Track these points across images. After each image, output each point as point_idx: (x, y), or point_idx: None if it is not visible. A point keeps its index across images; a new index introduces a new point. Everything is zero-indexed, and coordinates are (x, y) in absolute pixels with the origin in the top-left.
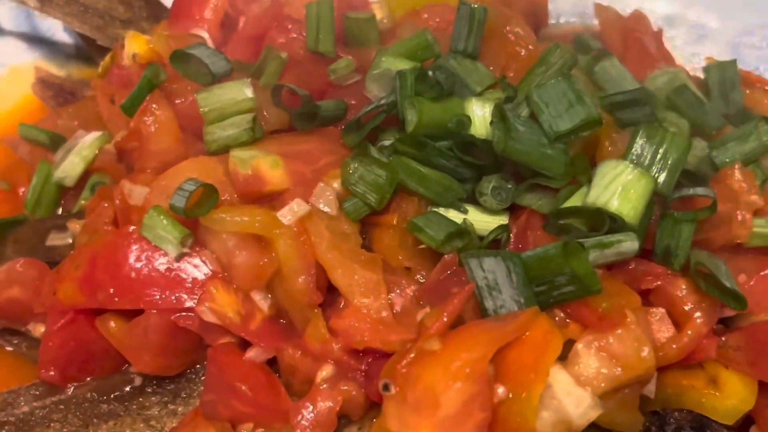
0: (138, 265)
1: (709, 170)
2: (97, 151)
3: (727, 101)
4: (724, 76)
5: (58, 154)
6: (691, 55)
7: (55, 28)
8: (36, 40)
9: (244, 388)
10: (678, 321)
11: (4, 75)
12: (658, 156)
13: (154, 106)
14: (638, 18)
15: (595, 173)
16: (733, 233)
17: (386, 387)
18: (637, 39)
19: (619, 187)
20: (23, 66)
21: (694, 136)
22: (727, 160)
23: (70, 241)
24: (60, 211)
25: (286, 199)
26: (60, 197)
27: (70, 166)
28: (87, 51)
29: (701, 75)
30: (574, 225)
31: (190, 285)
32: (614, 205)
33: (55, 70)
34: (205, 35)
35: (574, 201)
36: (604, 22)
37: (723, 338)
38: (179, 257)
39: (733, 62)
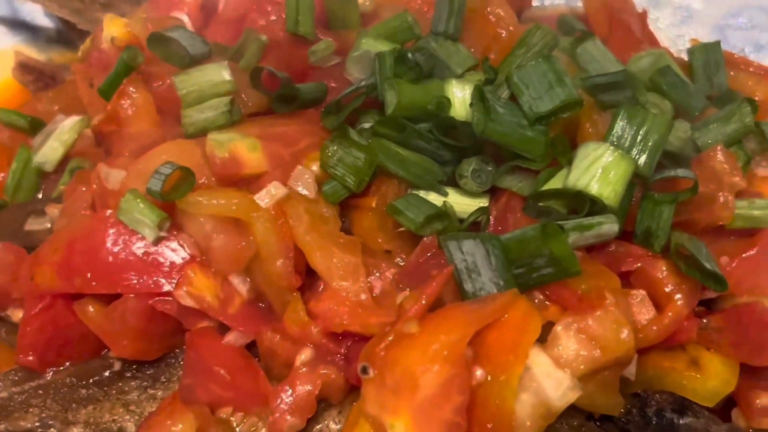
0: (115, 249)
1: (691, 152)
2: (76, 136)
3: (712, 83)
4: (709, 58)
5: (37, 139)
6: (676, 37)
7: (35, 13)
8: (16, 24)
9: (222, 372)
10: (659, 303)
11: None
12: (639, 137)
13: (131, 89)
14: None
15: (576, 155)
16: (716, 215)
17: (365, 370)
18: (621, 21)
19: (599, 170)
20: (3, 51)
21: (677, 117)
22: (710, 141)
23: (49, 225)
24: (40, 196)
25: (264, 182)
26: (39, 182)
27: (50, 150)
28: (68, 35)
29: (686, 57)
30: (553, 207)
31: (167, 269)
32: (594, 188)
33: (36, 54)
34: (185, 18)
35: (555, 183)
36: (588, 4)
37: (704, 320)
38: (156, 241)
39: (717, 44)
